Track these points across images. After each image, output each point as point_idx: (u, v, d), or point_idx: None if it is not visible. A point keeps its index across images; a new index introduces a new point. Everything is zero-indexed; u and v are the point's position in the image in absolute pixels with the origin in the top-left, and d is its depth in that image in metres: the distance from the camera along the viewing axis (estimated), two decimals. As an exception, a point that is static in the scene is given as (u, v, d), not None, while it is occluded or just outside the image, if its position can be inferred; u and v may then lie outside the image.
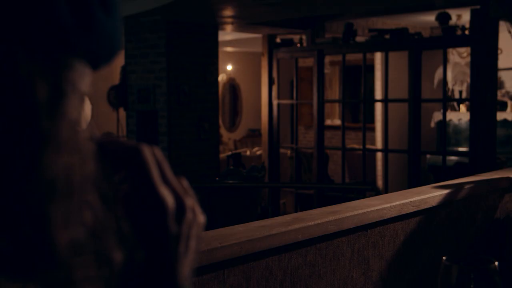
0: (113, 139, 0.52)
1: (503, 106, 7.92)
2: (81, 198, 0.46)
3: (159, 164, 0.53)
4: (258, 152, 9.39)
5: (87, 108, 0.49)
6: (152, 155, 0.52)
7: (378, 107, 8.83)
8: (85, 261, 0.46)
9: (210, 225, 0.57)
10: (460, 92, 8.16)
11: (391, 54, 6.48)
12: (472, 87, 5.54)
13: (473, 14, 5.40)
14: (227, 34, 8.90)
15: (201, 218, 0.55)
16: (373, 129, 9.01)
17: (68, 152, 0.45)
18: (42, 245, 0.44)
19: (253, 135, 11.98)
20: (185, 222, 0.53)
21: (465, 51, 8.49)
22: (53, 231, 0.44)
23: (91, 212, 0.47)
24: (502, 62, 6.53)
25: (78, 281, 0.46)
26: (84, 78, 0.48)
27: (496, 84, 5.54)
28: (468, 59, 7.59)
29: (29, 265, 0.44)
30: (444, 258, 1.04)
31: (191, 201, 0.54)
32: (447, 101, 6.83)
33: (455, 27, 6.04)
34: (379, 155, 8.50)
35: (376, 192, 6.36)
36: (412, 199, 2.30)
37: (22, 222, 0.43)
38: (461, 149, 7.76)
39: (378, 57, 8.75)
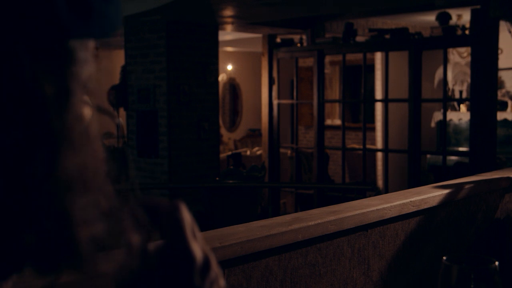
0: (151, 197, 0.56)
1: (503, 106, 7.92)
2: (97, 193, 0.48)
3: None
4: (258, 152, 9.39)
5: (87, 107, 0.50)
6: (187, 213, 0.56)
7: (378, 107, 8.83)
8: (107, 255, 0.49)
9: (210, 225, 0.58)
10: (461, 92, 8.16)
11: (391, 54, 6.48)
12: (472, 87, 5.54)
13: (473, 14, 5.40)
14: (227, 34, 8.90)
15: (222, 281, 0.58)
16: (373, 129, 9.01)
17: (81, 148, 0.47)
18: (63, 241, 0.46)
19: (253, 135, 11.98)
20: (208, 279, 0.56)
21: (465, 51, 8.49)
22: (74, 227, 0.46)
23: (106, 200, 0.49)
24: (502, 62, 6.53)
25: (102, 273, 0.49)
26: (88, 64, 0.49)
27: (496, 84, 5.54)
28: (469, 59, 7.60)
29: (53, 261, 0.46)
30: (444, 258, 1.04)
31: (215, 262, 0.58)
32: (447, 101, 6.83)
33: (455, 27, 6.04)
34: (379, 155, 8.50)
35: (376, 192, 6.36)
36: (412, 199, 2.30)
37: (43, 220, 0.45)
38: (461, 149, 7.76)
39: (378, 57, 8.75)
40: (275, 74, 7.28)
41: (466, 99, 6.96)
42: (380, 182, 8.25)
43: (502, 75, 8.17)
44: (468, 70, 7.11)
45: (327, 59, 9.85)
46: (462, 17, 7.07)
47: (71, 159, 0.46)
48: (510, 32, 4.68)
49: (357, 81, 10.61)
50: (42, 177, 0.44)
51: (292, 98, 7.36)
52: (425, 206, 2.37)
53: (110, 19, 0.49)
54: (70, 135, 0.46)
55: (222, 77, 11.80)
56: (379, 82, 8.71)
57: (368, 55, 7.80)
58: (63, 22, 0.45)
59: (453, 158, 7.46)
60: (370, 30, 6.68)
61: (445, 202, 2.47)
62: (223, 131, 11.68)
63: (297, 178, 7.57)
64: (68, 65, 0.46)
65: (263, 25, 6.96)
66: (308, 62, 10.60)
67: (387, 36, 6.27)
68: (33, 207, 0.44)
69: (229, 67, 12.19)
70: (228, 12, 6.28)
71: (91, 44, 0.49)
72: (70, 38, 0.46)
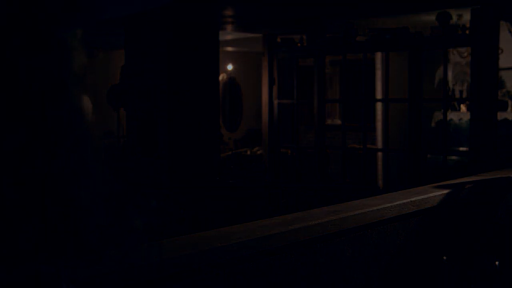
0: None
1: (503, 106, 7.92)
2: (99, 183, 0.49)
3: None
4: (258, 152, 9.39)
5: (88, 106, 0.50)
6: None
7: (379, 107, 8.82)
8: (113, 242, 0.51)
9: (210, 225, 0.59)
10: (461, 92, 8.16)
11: (391, 54, 6.48)
12: (472, 87, 5.54)
13: (473, 14, 5.40)
14: (227, 34, 8.90)
15: None
16: (373, 129, 9.01)
17: (80, 141, 0.48)
18: (71, 230, 0.47)
19: (253, 135, 11.98)
20: None
21: (465, 50, 8.48)
22: (80, 216, 0.47)
23: (108, 190, 0.50)
24: (502, 62, 6.53)
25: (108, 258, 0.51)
26: (79, 54, 0.49)
27: (496, 84, 5.54)
28: (469, 59, 7.59)
29: (62, 249, 0.48)
30: (444, 258, 1.04)
31: None
32: (448, 101, 6.83)
33: (455, 26, 6.04)
34: (379, 155, 8.50)
35: (376, 192, 6.36)
36: (412, 199, 2.30)
37: (50, 212, 0.46)
38: (461, 149, 7.75)
39: (378, 57, 8.75)
40: (275, 74, 7.27)
41: (466, 99, 6.95)
42: (380, 182, 8.25)
43: (502, 75, 8.16)
44: (468, 70, 7.11)
45: (327, 59, 9.85)
46: (462, 17, 7.07)
47: (72, 152, 0.47)
48: (510, 32, 4.68)
49: (357, 81, 10.61)
50: (45, 171, 0.45)
51: (292, 98, 7.36)
52: (426, 206, 2.37)
53: (97, 5, 0.49)
54: (69, 128, 0.46)
55: (222, 77, 11.80)
56: (379, 82, 8.71)
57: (368, 55, 7.79)
58: (53, 14, 0.45)
59: (453, 158, 7.46)
60: (370, 30, 6.67)
61: (445, 202, 2.47)
62: (223, 131, 11.67)
63: (297, 178, 7.57)
64: (60, 56, 0.46)
65: (263, 25, 6.96)
66: (308, 62, 10.60)
67: (387, 36, 6.26)
68: (40, 200, 0.46)
69: (229, 67, 12.18)
70: (228, 12, 6.28)
71: (79, 32, 0.49)
72: (61, 29, 0.46)
